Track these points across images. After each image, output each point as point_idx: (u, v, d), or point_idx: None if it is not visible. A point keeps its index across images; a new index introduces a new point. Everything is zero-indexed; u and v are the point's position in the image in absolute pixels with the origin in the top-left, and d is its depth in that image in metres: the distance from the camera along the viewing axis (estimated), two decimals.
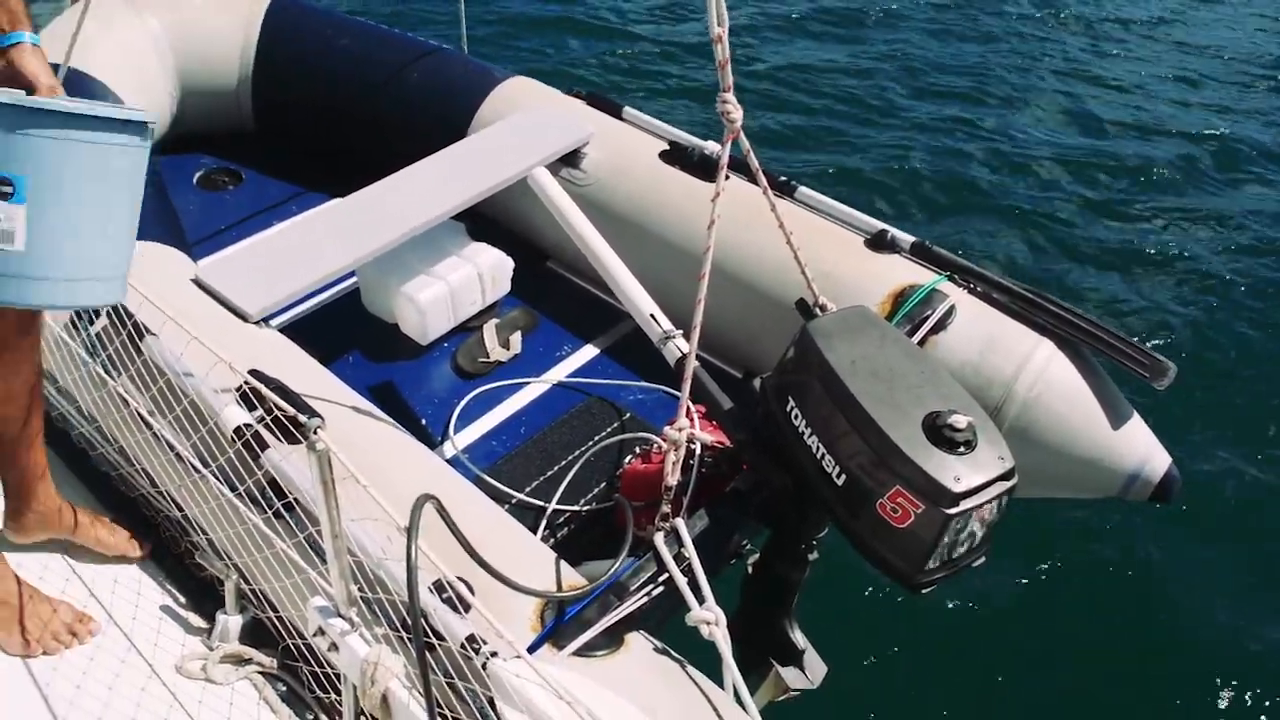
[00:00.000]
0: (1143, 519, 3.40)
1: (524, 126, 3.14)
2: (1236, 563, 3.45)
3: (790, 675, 2.22)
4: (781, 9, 7.68)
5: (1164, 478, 2.33)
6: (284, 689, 1.96)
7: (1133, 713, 3.03)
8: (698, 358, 1.98)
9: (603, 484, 2.57)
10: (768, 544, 2.17)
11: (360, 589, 1.64)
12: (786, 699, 2.22)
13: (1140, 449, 2.34)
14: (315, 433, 1.45)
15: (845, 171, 5.62)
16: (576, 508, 2.49)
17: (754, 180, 2.14)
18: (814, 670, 2.23)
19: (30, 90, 1.54)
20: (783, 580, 2.16)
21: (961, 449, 1.69)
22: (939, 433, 1.70)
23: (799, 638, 2.23)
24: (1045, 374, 2.36)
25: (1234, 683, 3.10)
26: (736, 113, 1.82)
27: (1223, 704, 3.06)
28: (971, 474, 1.67)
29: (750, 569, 2.22)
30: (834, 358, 1.82)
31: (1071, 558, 3.33)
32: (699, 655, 1.78)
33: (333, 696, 1.85)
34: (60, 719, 1.82)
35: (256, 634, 2.03)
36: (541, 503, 2.49)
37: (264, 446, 1.85)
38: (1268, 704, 3.06)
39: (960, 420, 1.69)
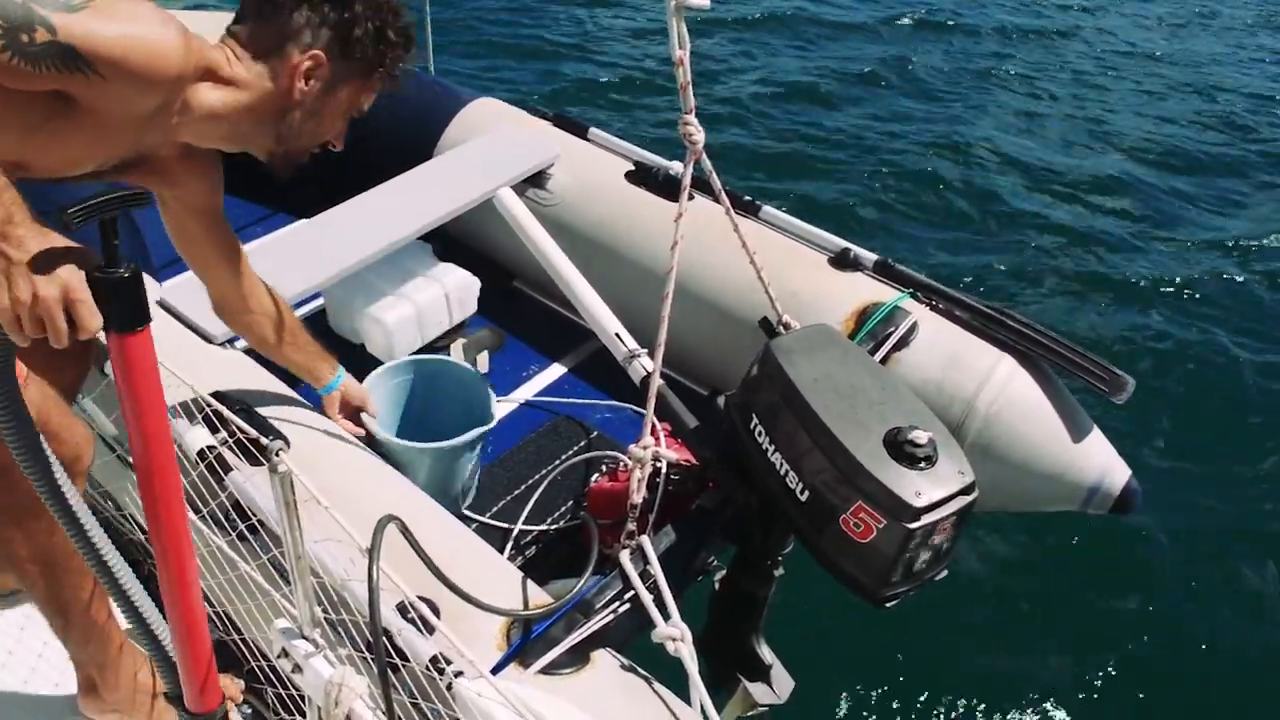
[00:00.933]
0: (1103, 526, 3.45)
1: (490, 147, 3.16)
2: (1195, 565, 3.51)
3: (758, 691, 2.22)
4: (747, 33, 7.75)
5: (1124, 490, 2.36)
6: (249, 712, 1.94)
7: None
8: (663, 376, 1.99)
9: (569, 503, 2.58)
10: (734, 560, 2.18)
11: (325, 611, 1.63)
12: (754, 714, 2.23)
13: (1100, 462, 2.37)
14: (277, 454, 1.45)
15: (808, 190, 5.69)
16: (543, 527, 2.49)
17: (719, 200, 2.16)
18: (781, 685, 2.24)
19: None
20: (749, 596, 2.17)
21: (922, 464, 1.71)
22: (900, 448, 1.72)
23: (766, 653, 2.23)
24: (1006, 390, 2.39)
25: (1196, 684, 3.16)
26: (698, 134, 1.84)
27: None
28: (932, 489, 1.69)
29: (717, 585, 2.23)
30: (796, 375, 1.84)
31: (1040, 566, 3.38)
32: (666, 672, 1.78)
33: (297, 719, 1.84)
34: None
35: (222, 657, 2.00)
36: (507, 524, 2.49)
37: (227, 469, 1.85)
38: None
39: (921, 436, 1.71)
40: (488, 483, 2.60)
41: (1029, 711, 3.03)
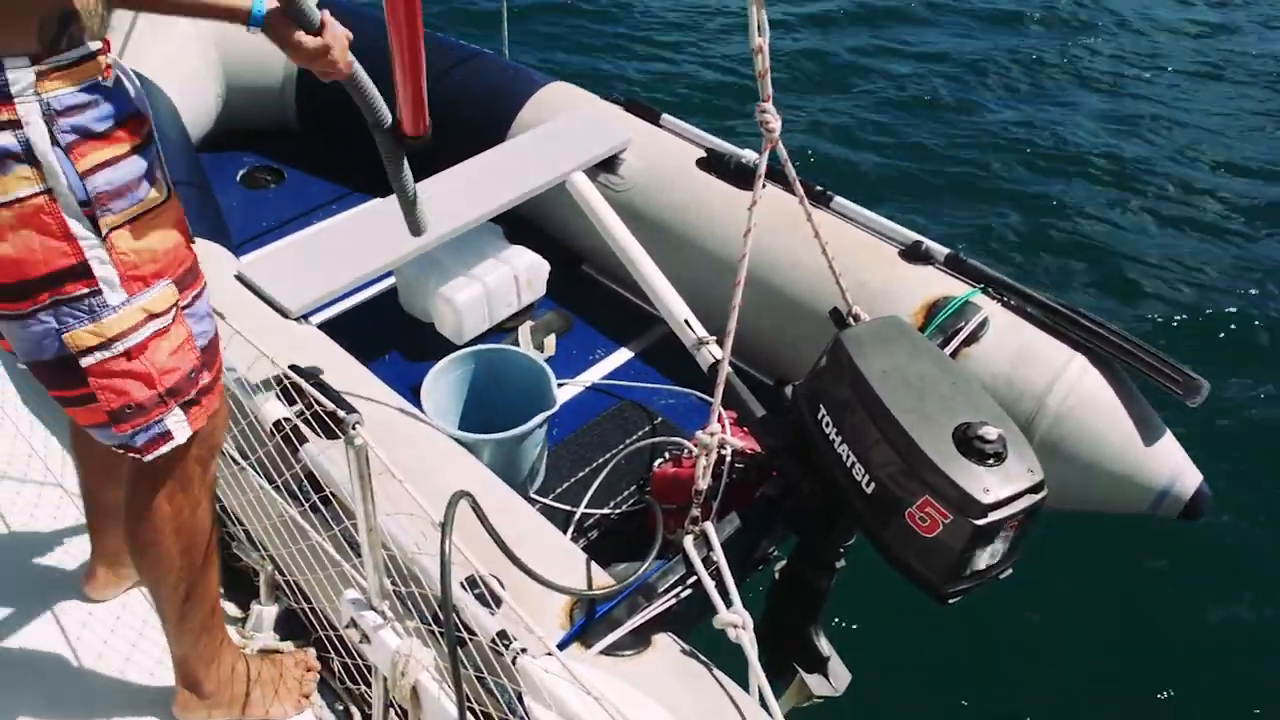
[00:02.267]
0: (1174, 533, 3.37)
1: (563, 131, 3.18)
2: (1264, 581, 3.42)
3: (814, 682, 2.23)
4: (828, 25, 7.63)
5: (1194, 495, 2.32)
6: (317, 679, 1.99)
7: None
8: (730, 365, 2.00)
9: (633, 487, 2.60)
10: (795, 551, 2.18)
11: (393, 583, 1.67)
12: (809, 705, 2.24)
13: (1171, 466, 2.33)
14: (354, 428, 1.48)
15: (882, 180, 5.60)
16: (606, 511, 2.52)
17: (791, 189, 2.16)
18: (838, 678, 2.24)
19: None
20: (810, 587, 2.17)
21: (991, 460, 1.70)
22: (969, 444, 1.71)
23: (824, 645, 2.23)
24: (1077, 388, 2.36)
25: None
26: (775, 122, 1.84)
27: None
28: (1001, 486, 1.68)
29: (777, 575, 2.23)
30: (866, 367, 1.83)
31: (1103, 570, 3.30)
32: (725, 658, 1.80)
33: (362, 688, 1.88)
34: (100, 713, 1.87)
35: (290, 625, 2.06)
36: (570, 507, 2.52)
37: (302, 441, 1.89)
38: None
39: (990, 432, 1.70)
40: (552, 465, 2.63)
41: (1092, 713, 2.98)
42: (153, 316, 1.41)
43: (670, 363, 2.91)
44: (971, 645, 3.06)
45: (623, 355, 3.03)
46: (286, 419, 1.93)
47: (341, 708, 1.94)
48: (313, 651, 2.04)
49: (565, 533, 2.46)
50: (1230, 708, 3.07)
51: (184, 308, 1.47)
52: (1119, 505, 2.39)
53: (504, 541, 1.60)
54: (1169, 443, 2.35)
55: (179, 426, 1.50)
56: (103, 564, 2.06)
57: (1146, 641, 3.17)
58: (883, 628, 2.90)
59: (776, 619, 2.24)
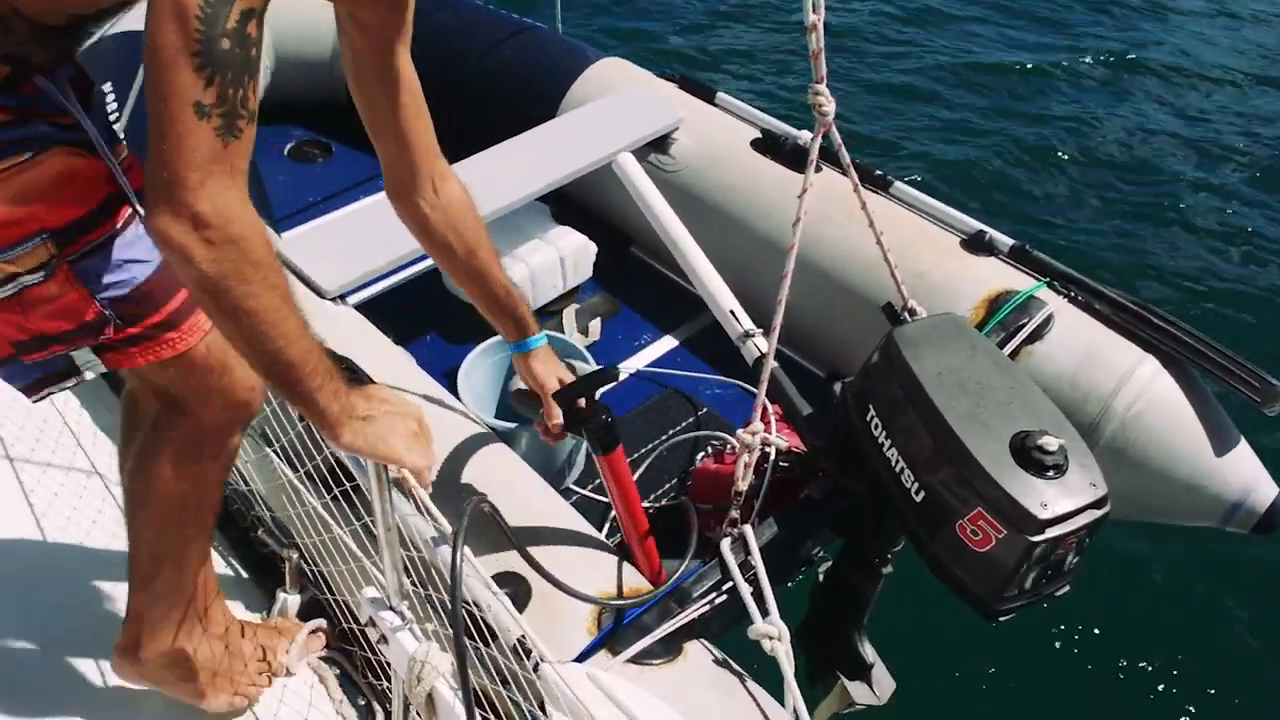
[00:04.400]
0: (1246, 547, 3.20)
1: (614, 109, 3.08)
2: None
3: (857, 690, 2.13)
4: (885, 4, 7.43)
5: (1270, 508, 2.19)
6: (338, 672, 1.95)
7: None
8: (779, 355, 1.91)
9: (674, 480, 2.52)
10: (841, 553, 2.08)
11: (415, 583, 1.61)
12: (850, 712, 2.15)
13: (1245, 476, 2.20)
14: None
15: (945, 165, 5.40)
16: (645, 504, 2.43)
17: (846, 174, 2.05)
18: (882, 686, 2.14)
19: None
20: (855, 592, 2.07)
21: (1051, 473, 1.58)
22: (1028, 454, 1.59)
23: (869, 651, 2.14)
24: (1147, 391, 2.23)
25: None
26: (829, 105, 1.73)
27: None
28: (1060, 500, 1.56)
29: (821, 577, 2.14)
30: (919, 368, 1.72)
31: (1167, 586, 3.13)
32: (760, 667, 1.71)
33: (384, 684, 1.83)
34: (118, 688, 1.83)
35: (313, 614, 2.02)
36: (608, 500, 2.44)
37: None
38: None
39: (1051, 442, 1.58)
40: (589, 455, 2.55)
41: None
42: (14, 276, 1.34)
43: (718, 351, 2.81)
44: (1024, 660, 2.92)
45: (668, 343, 2.94)
46: None
47: (364, 703, 1.89)
48: (323, 637, 1.98)
49: (602, 526, 2.40)
50: None
51: (73, 261, 1.39)
52: (1188, 517, 2.26)
53: (525, 549, 1.52)
54: (1243, 451, 2.22)
55: (89, 366, 1.46)
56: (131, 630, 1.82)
57: (1209, 661, 3.00)
58: (931, 636, 2.78)
59: (819, 622, 2.14)
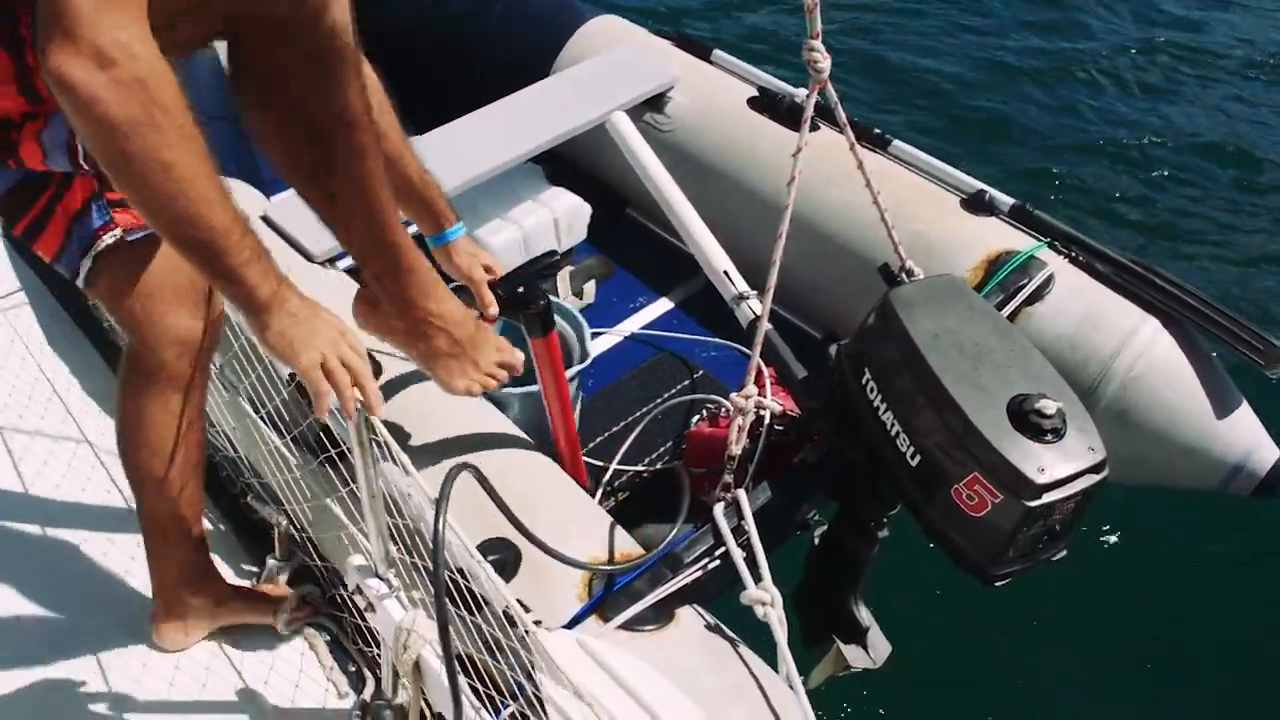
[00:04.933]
0: (1246, 512, 3.15)
1: (608, 68, 3.03)
2: None
3: (852, 653, 2.12)
4: None
5: (1271, 471, 2.16)
6: (329, 638, 1.93)
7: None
8: (774, 317, 1.88)
9: (669, 444, 2.50)
10: (836, 517, 2.06)
11: (402, 551, 1.59)
12: (847, 674, 2.14)
13: (1246, 439, 2.17)
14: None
15: (944, 124, 5.31)
16: (639, 468, 2.42)
17: (843, 132, 2.00)
18: (877, 650, 2.13)
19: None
20: (850, 556, 2.05)
21: (1049, 436, 1.56)
22: (1025, 418, 1.56)
23: (864, 615, 2.12)
24: (1148, 353, 2.20)
25: None
26: (824, 61, 1.69)
27: None
28: (1057, 465, 1.54)
29: (817, 541, 2.12)
30: (916, 330, 1.69)
31: (1166, 548, 3.07)
32: (754, 632, 1.70)
33: (375, 650, 1.82)
34: (107, 661, 1.82)
35: (303, 580, 2.00)
36: (602, 463, 2.42)
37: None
38: None
39: (1049, 406, 1.55)
40: (585, 417, 2.52)
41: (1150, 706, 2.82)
42: None
43: (714, 313, 2.76)
44: (1022, 624, 2.90)
45: (664, 305, 2.91)
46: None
47: (354, 669, 1.88)
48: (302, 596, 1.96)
49: (596, 490, 2.38)
50: None
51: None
52: (1187, 480, 2.24)
53: (513, 514, 1.50)
54: (1245, 414, 2.19)
55: None
56: (159, 598, 1.86)
57: (1207, 621, 2.98)
58: (928, 600, 2.76)
59: (814, 586, 2.13)
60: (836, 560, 2.07)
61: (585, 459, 2.46)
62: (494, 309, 1.83)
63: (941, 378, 1.62)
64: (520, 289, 1.84)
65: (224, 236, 1.11)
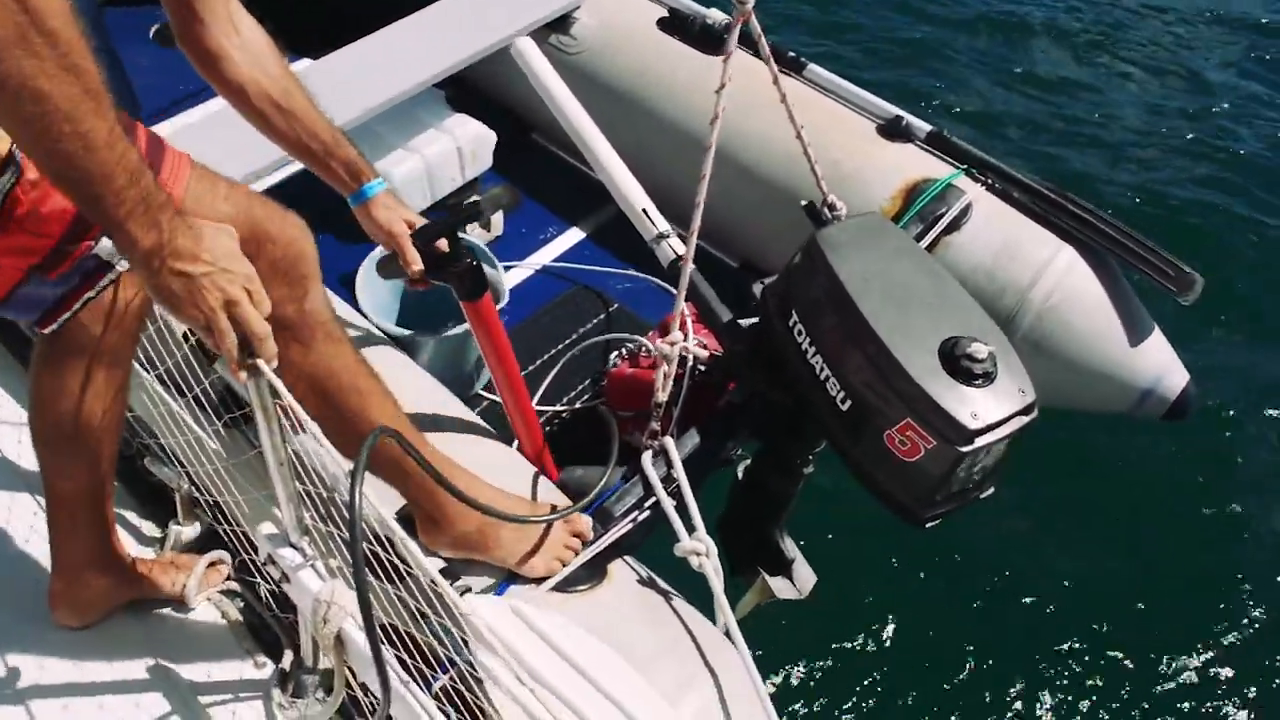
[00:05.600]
0: (1159, 434, 3.21)
1: None
2: (1243, 483, 3.30)
3: (778, 584, 2.12)
4: None
5: (1179, 395, 2.22)
6: (242, 605, 1.85)
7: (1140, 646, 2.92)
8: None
9: (587, 381, 2.44)
10: (760, 453, 2.04)
11: (315, 518, 1.51)
12: (773, 604, 2.14)
13: (1157, 364, 2.22)
14: (252, 356, 1.27)
15: (859, 48, 5.20)
16: (559, 408, 2.36)
17: (764, 59, 1.92)
18: (803, 580, 2.14)
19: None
20: (775, 492, 2.04)
21: (980, 380, 1.54)
22: (956, 362, 1.54)
23: (789, 546, 2.12)
24: (1064, 282, 2.22)
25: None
26: None
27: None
28: (990, 408, 1.53)
29: (740, 475, 2.10)
30: (844, 273, 1.64)
31: (1083, 472, 3.13)
32: (686, 580, 1.67)
33: (292, 616, 1.74)
34: (6, 643, 1.71)
35: (212, 546, 1.90)
36: None
37: (214, 355, 1.69)
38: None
39: (980, 350, 1.54)
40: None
41: (1070, 628, 2.86)
42: None
43: (626, 243, 2.68)
44: (946, 548, 2.94)
45: (575, 235, 2.83)
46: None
47: (271, 637, 1.80)
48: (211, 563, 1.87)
49: (514, 437, 2.31)
50: (1216, 599, 2.99)
51: None
52: (1101, 404, 2.28)
53: (439, 474, 1.42)
54: (1157, 340, 2.23)
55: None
56: (61, 579, 1.74)
57: (1124, 543, 3.05)
58: (853, 528, 2.77)
59: (738, 520, 2.11)
60: (761, 495, 2.06)
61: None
62: (418, 266, 1.72)
63: (872, 322, 1.59)
64: (444, 246, 1.73)
65: (102, 183, 1.01)
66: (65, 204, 1.22)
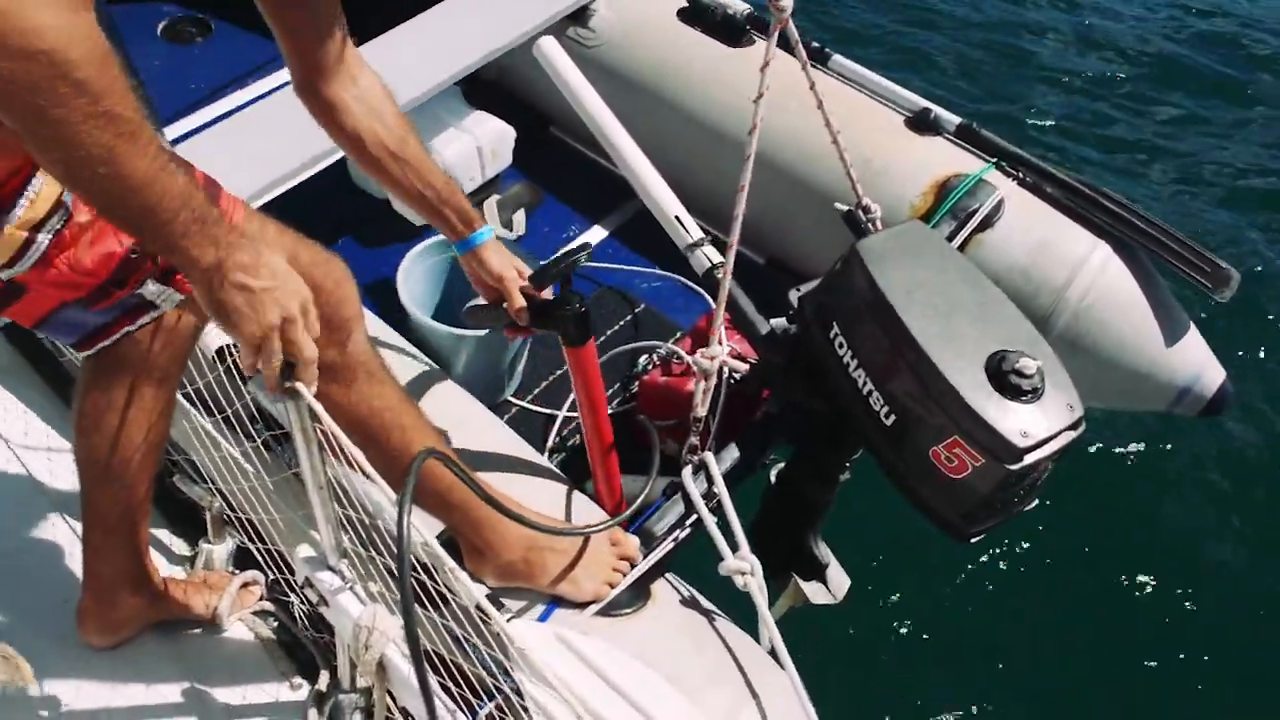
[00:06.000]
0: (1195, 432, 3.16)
1: None
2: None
3: (811, 589, 2.11)
4: None
5: (1216, 392, 2.19)
6: (276, 624, 1.83)
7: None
8: (716, 243, 1.82)
9: (617, 385, 2.41)
10: (794, 460, 2.02)
11: (355, 541, 1.49)
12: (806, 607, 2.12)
13: (1194, 362, 2.19)
14: (292, 378, 1.24)
15: (886, 39, 5.07)
16: None
17: (794, 54, 1.87)
18: (837, 585, 2.12)
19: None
20: (810, 498, 2.02)
21: (1028, 396, 1.51)
22: (1004, 378, 1.51)
23: (823, 551, 2.10)
24: (1099, 281, 2.18)
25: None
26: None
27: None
28: (1038, 425, 1.50)
29: (774, 479, 2.08)
30: (887, 284, 1.61)
31: (1119, 471, 3.08)
32: (731, 596, 1.65)
33: (328, 637, 1.72)
34: (42, 664, 1.70)
35: (244, 564, 1.88)
36: (551, 410, 2.33)
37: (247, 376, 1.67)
38: None
39: (1029, 365, 1.51)
40: (527, 362, 2.42)
41: (1115, 640, 2.79)
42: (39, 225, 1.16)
43: (651, 240, 2.65)
44: (986, 555, 2.89)
45: (598, 233, 2.79)
46: (231, 346, 1.70)
47: (306, 657, 1.79)
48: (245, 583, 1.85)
49: (546, 439, 2.29)
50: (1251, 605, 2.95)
51: None
52: (1138, 403, 2.26)
53: (496, 501, 1.40)
54: (1193, 337, 2.20)
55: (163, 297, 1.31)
56: (92, 598, 1.72)
57: (1162, 543, 3.00)
58: (890, 533, 2.73)
59: (771, 524, 2.09)
60: (796, 500, 2.03)
61: (533, 407, 2.37)
62: (523, 310, 1.71)
63: (918, 337, 1.56)
64: (554, 291, 1.71)
65: (148, 215, 1.01)
66: (112, 249, 1.19)
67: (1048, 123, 4.64)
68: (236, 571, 1.88)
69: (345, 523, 1.46)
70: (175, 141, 2.50)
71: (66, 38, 0.89)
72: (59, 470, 2.05)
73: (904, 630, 2.74)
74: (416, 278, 2.32)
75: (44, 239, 1.14)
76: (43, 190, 1.12)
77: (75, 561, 1.80)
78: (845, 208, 1.99)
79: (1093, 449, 2.91)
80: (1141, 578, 2.91)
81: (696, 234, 1.93)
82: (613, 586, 1.60)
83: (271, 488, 1.70)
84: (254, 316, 1.10)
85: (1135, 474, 3.11)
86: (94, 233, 1.17)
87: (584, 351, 1.74)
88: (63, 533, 1.95)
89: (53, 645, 1.75)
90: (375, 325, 1.99)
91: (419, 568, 1.44)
